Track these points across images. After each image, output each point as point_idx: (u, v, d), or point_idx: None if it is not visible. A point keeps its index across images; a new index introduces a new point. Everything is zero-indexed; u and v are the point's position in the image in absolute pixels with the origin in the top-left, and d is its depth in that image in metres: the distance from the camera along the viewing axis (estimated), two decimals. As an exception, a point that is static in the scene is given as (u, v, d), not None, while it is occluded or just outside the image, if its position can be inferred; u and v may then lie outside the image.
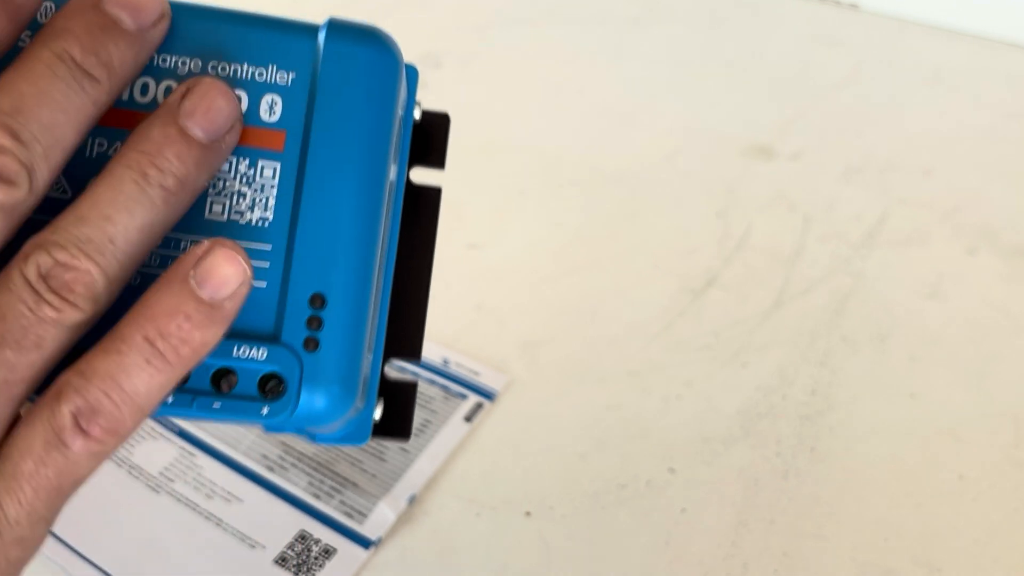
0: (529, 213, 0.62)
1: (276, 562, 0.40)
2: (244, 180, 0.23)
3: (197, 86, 0.22)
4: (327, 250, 0.23)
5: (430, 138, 0.27)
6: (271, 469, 0.44)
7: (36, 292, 0.20)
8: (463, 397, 0.48)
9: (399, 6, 0.84)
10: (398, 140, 0.25)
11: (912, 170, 0.68)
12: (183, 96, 0.22)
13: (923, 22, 0.87)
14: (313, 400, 0.23)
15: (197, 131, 0.22)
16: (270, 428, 0.23)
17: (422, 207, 0.27)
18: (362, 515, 0.42)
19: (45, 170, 0.21)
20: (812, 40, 0.84)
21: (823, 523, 0.43)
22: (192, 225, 0.23)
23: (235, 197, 0.23)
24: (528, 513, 0.43)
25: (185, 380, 0.22)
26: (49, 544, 0.40)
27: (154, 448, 0.44)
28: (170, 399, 0.22)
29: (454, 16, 0.84)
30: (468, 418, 0.47)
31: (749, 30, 0.86)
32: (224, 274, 0.21)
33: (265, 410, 0.22)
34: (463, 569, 0.41)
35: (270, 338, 0.23)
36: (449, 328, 0.52)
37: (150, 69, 0.23)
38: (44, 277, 0.20)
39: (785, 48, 0.83)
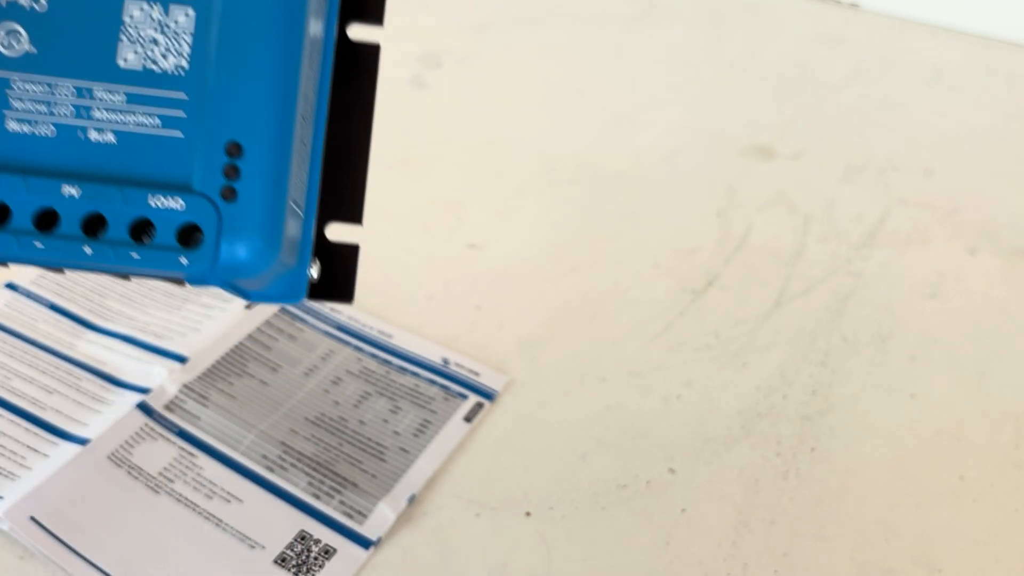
0: (529, 213, 0.62)
1: (276, 562, 0.40)
2: (158, 27, 0.23)
3: None
4: (243, 99, 0.23)
5: None
6: (271, 469, 0.44)
7: None
8: (463, 397, 0.48)
9: (399, 6, 0.84)
10: None
11: (913, 170, 0.68)
12: None
13: (924, 22, 0.87)
14: (234, 250, 0.22)
15: None
16: (194, 280, 0.23)
17: (359, 65, 0.26)
18: (362, 515, 0.42)
19: None
20: (812, 40, 0.84)
21: (823, 523, 0.43)
22: (106, 74, 0.23)
23: (148, 44, 0.23)
24: (528, 513, 0.43)
25: (104, 230, 0.22)
26: (48, 544, 0.40)
27: (154, 448, 0.44)
28: (89, 250, 0.22)
29: (454, 16, 0.84)
30: (468, 418, 0.47)
31: (749, 30, 0.85)
32: None
33: (184, 260, 0.22)
34: (463, 569, 0.41)
35: (187, 188, 0.22)
36: (449, 328, 0.52)
37: None
38: None
39: (785, 48, 0.83)
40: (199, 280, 0.23)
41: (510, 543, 0.42)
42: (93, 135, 0.23)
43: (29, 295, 0.53)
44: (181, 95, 0.23)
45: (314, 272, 0.25)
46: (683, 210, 0.63)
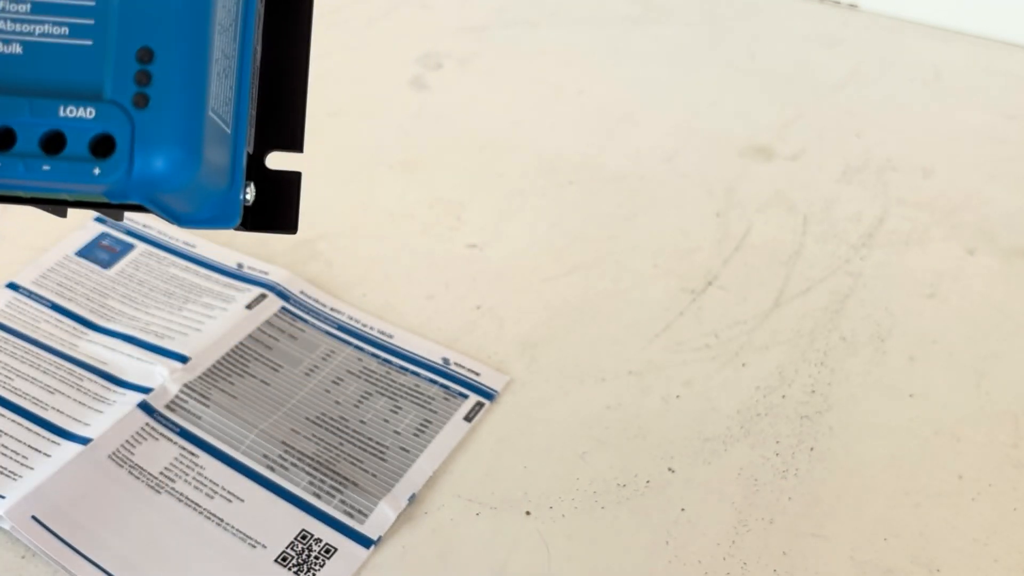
0: (529, 213, 0.62)
1: (277, 561, 0.41)
2: None
3: None
4: (152, 3, 0.22)
5: None
6: (272, 468, 0.44)
7: None
8: (463, 397, 0.48)
9: (399, 6, 0.84)
10: None
11: (911, 170, 0.68)
12: None
13: (922, 22, 0.87)
14: (150, 161, 0.22)
15: None
16: (113, 194, 0.22)
17: None
18: (363, 514, 0.42)
19: None
20: (811, 40, 0.84)
21: (822, 522, 0.43)
22: None
23: None
24: (528, 512, 0.43)
25: (14, 143, 0.21)
26: (50, 543, 0.40)
27: (155, 448, 0.44)
28: None
29: (454, 17, 0.84)
30: (468, 418, 0.47)
31: (748, 30, 0.86)
32: None
33: (96, 170, 0.21)
34: (463, 568, 0.41)
35: (96, 96, 0.22)
36: (449, 328, 0.52)
37: None
38: None
39: (784, 48, 0.83)
40: (118, 194, 0.22)
41: (510, 542, 0.42)
42: None
43: (31, 295, 0.53)
44: (89, 2, 0.22)
45: (248, 196, 0.25)
46: (682, 210, 0.63)
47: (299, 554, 0.41)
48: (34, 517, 0.41)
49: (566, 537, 0.43)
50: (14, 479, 0.42)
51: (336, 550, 0.41)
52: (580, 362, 0.51)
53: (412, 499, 0.43)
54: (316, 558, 0.41)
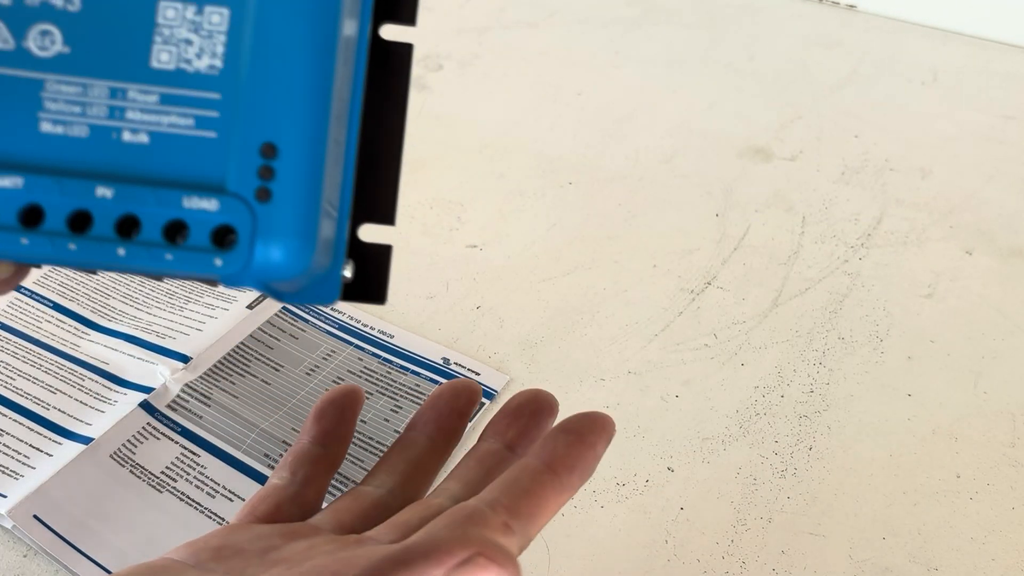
0: (529, 213, 0.62)
1: (278, 560, 0.41)
2: (191, 27, 0.23)
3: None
4: (277, 99, 0.23)
5: None
6: (273, 468, 0.44)
7: None
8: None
9: (399, 8, 0.84)
10: None
11: (909, 171, 0.68)
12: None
13: (921, 23, 0.87)
14: (269, 252, 0.22)
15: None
16: (228, 281, 0.23)
17: (392, 65, 0.26)
18: (363, 513, 0.43)
19: None
20: (810, 41, 0.85)
21: (821, 521, 0.44)
22: (140, 74, 0.22)
23: (182, 45, 0.23)
24: (528, 511, 0.44)
25: (138, 232, 0.22)
26: (52, 542, 0.40)
27: (157, 447, 0.45)
28: (122, 251, 0.22)
29: (455, 18, 0.84)
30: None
31: (747, 31, 0.86)
32: None
33: (218, 261, 0.22)
34: (463, 567, 0.41)
35: (220, 189, 0.22)
36: (449, 328, 0.53)
37: None
38: None
39: (783, 49, 0.83)
40: (233, 281, 0.23)
41: (510, 541, 0.42)
42: (127, 136, 0.22)
43: (33, 295, 0.53)
44: (215, 95, 0.23)
45: (348, 272, 0.25)
46: (681, 211, 0.63)
47: (300, 553, 0.41)
48: (36, 516, 0.41)
49: (566, 536, 0.43)
50: (16, 478, 0.42)
51: (337, 549, 0.41)
52: (579, 362, 0.51)
53: (412, 498, 0.44)
54: (317, 557, 0.41)
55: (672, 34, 0.85)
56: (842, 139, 0.71)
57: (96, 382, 0.48)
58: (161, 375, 0.48)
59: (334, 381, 0.49)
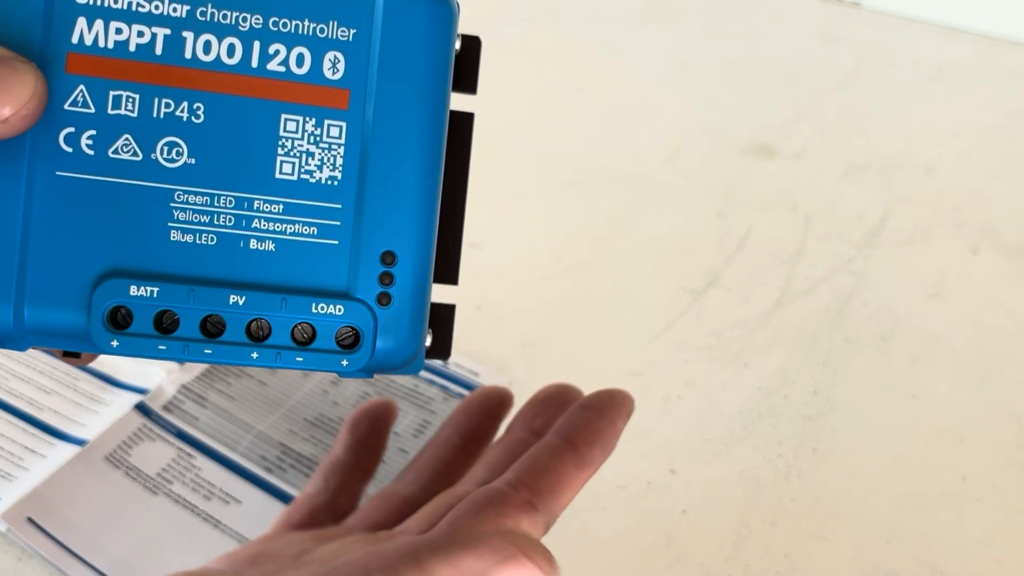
0: (529, 213, 0.62)
1: (274, 564, 0.40)
2: (312, 139, 0.24)
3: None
4: (396, 207, 0.24)
5: (462, 64, 0.27)
6: (269, 470, 0.44)
7: None
8: (462, 397, 0.48)
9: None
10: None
11: (914, 169, 0.67)
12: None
13: (925, 20, 0.87)
14: (386, 347, 0.24)
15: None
16: (346, 375, 0.25)
17: (458, 133, 0.27)
18: (361, 516, 0.42)
19: None
20: (814, 38, 0.84)
21: (825, 524, 0.43)
22: (263, 185, 0.24)
23: (304, 156, 0.24)
24: (528, 514, 0.43)
25: (268, 335, 0.23)
26: (46, 545, 0.40)
27: (152, 449, 0.44)
28: (255, 355, 0.23)
29: (454, 14, 0.84)
30: (468, 419, 0.47)
31: (750, 28, 0.85)
32: None
33: (344, 362, 0.24)
34: (463, 571, 0.41)
35: (344, 295, 0.24)
36: (449, 328, 0.52)
37: (215, 27, 0.23)
38: None
39: (787, 46, 0.83)
40: (350, 375, 0.25)
41: (510, 544, 0.42)
42: (253, 244, 0.24)
43: (27, 295, 0.52)
44: (336, 205, 0.24)
45: (428, 340, 0.26)
46: (684, 209, 0.63)
47: (297, 556, 0.41)
48: (30, 519, 0.40)
49: (566, 539, 0.42)
50: (9, 480, 0.42)
51: (334, 552, 0.41)
52: (580, 362, 0.51)
53: (411, 501, 0.43)
54: (314, 560, 0.40)
55: (674, 31, 0.85)
56: (846, 136, 0.71)
57: (90, 383, 0.47)
58: (156, 376, 0.47)
59: (331, 382, 0.49)
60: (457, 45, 0.26)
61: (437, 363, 0.50)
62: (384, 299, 0.24)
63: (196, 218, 0.23)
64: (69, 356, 0.25)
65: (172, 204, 0.23)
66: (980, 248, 0.60)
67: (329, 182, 0.24)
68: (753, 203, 0.63)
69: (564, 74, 0.77)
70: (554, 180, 0.65)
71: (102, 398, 0.46)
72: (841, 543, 0.42)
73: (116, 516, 0.41)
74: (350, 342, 0.24)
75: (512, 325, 0.53)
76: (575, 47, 0.82)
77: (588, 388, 0.50)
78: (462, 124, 0.27)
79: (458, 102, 0.27)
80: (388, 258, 0.24)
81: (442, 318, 0.27)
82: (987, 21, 0.85)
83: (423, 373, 0.49)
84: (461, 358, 0.50)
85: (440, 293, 0.27)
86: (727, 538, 0.42)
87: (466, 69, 0.27)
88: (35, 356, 0.49)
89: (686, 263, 0.58)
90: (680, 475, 0.45)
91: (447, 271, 0.27)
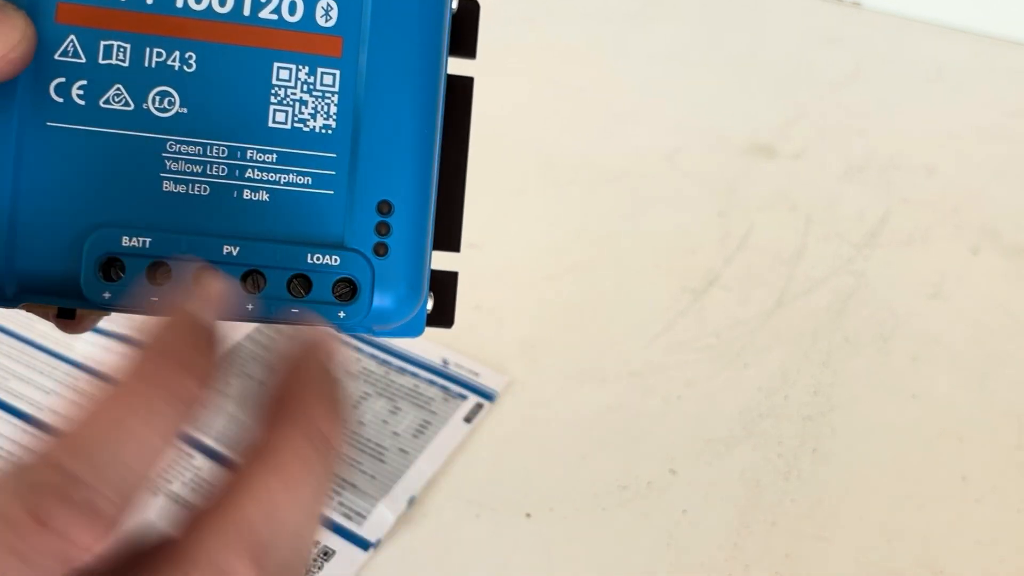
0: (529, 213, 0.62)
1: (274, 564, 0.40)
2: (305, 88, 0.23)
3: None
4: (391, 156, 0.24)
5: (461, 26, 0.27)
6: (269, 470, 0.44)
7: None
8: (463, 398, 0.48)
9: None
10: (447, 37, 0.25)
11: (914, 169, 0.67)
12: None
13: (925, 20, 0.87)
14: (384, 302, 0.23)
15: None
16: (344, 329, 0.24)
17: (457, 98, 0.27)
18: (361, 516, 0.42)
19: None
20: (814, 38, 0.84)
21: (825, 524, 0.43)
22: (256, 134, 0.23)
23: (297, 105, 0.23)
24: (528, 514, 0.43)
25: (263, 286, 0.23)
26: (46, 546, 0.40)
27: (152, 449, 0.44)
28: (251, 306, 0.23)
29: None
30: (468, 419, 0.47)
31: (751, 28, 0.85)
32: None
33: (342, 313, 0.23)
34: (463, 571, 0.41)
35: (340, 245, 0.23)
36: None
37: None
38: None
39: (787, 46, 0.83)
40: (348, 329, 0.24)
41: (510, 544, 0.42)
42: (247, 194, 0.23)
43: (27, 295, 0.52)
44: (331, 154, 0.24)
45: (430, 305, 0.26)
46: (684, 210, 0.63)
47: (297, 557, 0.40)
48: (29, 519, 0.40)
49: (567, 539, 0.42)
50: (9, 481, 0.42)
51: (334, 553, 0.41)
52: (581, 362, 0.51)
53: (411, 501, 0.43)
54: (314, 560, 0.40)
55: (674, 30, 0.84)
56: (846, 137, 0.71)
57: (90, 383, 0.47)
58: (157, 376, 0.47)
59: (332, 382, 0.49)
60: (455, 4, 0.26)
61: (437, 363, 0.50)
62: (381, 249, 0.23)
63: (189, 168, 0.23)
64: (64, 319, 0.24)
65: (164, 154, 0.23)
66: (980, 248, 0.60)
67: (323, 131, 0.23)
68: (753, 203, 0.63)
69: (564, 72, 0.77)
70: (554, 180, 0.65)
71: (102, 398, 0.46)
72: (841, 543, 0.42)
73: (116, 516, 0.41)
74: (347, 294, 0.23)
75: (512, 325, 0.53)
76: (575, 47, 0.82)
77: (589, 389, 0.50)
78: (462, 88, 0.27)
79: (458, 67, 0.27)
80: (384, 207, 0.24)
81: (444, 284, 0.27)
82: (987, 21, 0.85)
83: (423, 373, 0.49)
84: (461, 358, 0.50)
85: (443, 261, 0.27)
86: (727, 538, 0.42)
87: (465, 32, 0.27)
88: (35, 356, 0.49)
89: (686, 263, 0.58)
90: (680, 475, 0.45)
91: (448, 238, 0.27)
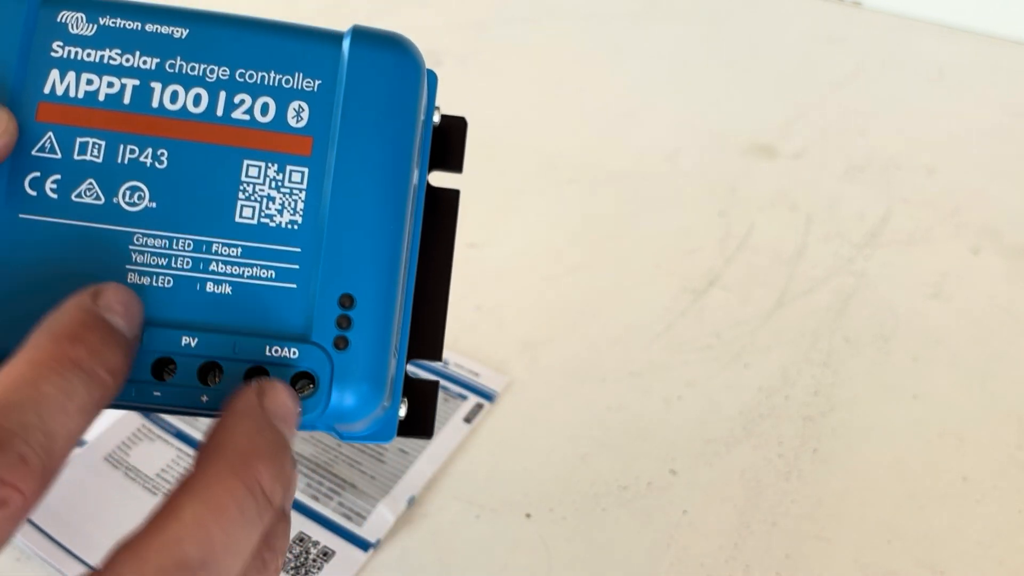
0: (529, 212, 0.62)
1: (274, 564, 0.40)
2: (273, 184, 0.24)
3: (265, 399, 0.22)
4: (355, 252, 0.24)
5: (448, 141, 0.27)
6: (269, 470, 0.44)
7: None
8: (463, 398, 0.48)
9: (400, 4, 0.83)
10: (420, 144, 0.26)
11: (915, 169, 0.67)
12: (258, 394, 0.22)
13: (926, 19, 0.87)
14: (343, 398, 0.23)
15: (285, 429, 0.22)
16: (301, 426, 0.24)
17: (441, 209, 0.27)
18: (361, 517, 0.42)
19: None
20: (815, 38, 0.84)
21: (826, 525, 0.43)
22: (224, 229, 0.24)
23: (265, 201, 0.24)
24: (528, 515, 0.43)
25: (220, 379, 0.23)
26: (45, 546, 0.40)
27: (151, 449, 0.44)
28: (205, 398, 0.23)
29: (454, 14, 0.84)
30: (468, 419, 0.47)
31: (751, 28, 0.85)
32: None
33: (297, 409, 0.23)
34: (463, 571, 0.41)
35: (301, 338, 0.23)
36: (449, 328, 0.52)
37: (183, 78, 0.24)
38: None
39: (787, 46, 0.83)
40: (307, 426, 0.24)
41: (510, 545, 0.42)
42: (210, 286, 0.24)
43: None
44: (295, 249, 0.24)
45: (403, 411, 0.26)
46: (684, 209, 0.63)
47: (296, 557, 0.40)
48: (29, 519, 0.40)
49: (567, 539, 0.42)
50: (9, 481, 0.42)
51: (334, 553, 0.41)
52: (581, 363, 0.51)
53: (411, 501, 0.43)
54: (314, 561, 0.40)
55: (674, 30, 0.84)
56: (847, 137, 0.71)
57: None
58: (156, 376, 0.47)
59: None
60: (436, 118, 0.27)
61: (437, 363, 0.50)
62: (341, 343, 0.23)
63: (154, 260, 0.23)
64: None
65: (131, 247, 0.23)
66: (981, 248, 0.60)
67: (289, 226, 0.24)
68: (754, 203, 0.63)
69: (564, 73, 0.77)
70: (554, 180, 0.65)
71: (102, 398, 0.46)
72: (842, 544, 0.42)
73: (115, 516, 0.41)
74: (304, 387, 0.23)
75: (512, 325, 0.53)
76: (575, 46, 0.81)
77: (589, 389, 0.50)
78: (446, 200, 0.27)
79: (444, 180, 0.27)
80: (346, 301, 0.24)
81: (423, 393, 0.27)
82: (988, 21, 0.85)
83: (423, 374, 0.49)
84: (461, 358, 0.50)
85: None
86: (727, 538, 0.42)
87: (451, 146, 0.27)
88: (35, 356, 0.49)
89: (687, 263, 0.58)
90: (681, 475, 0.45)
91: (430, 347, 0.27)
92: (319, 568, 0.40)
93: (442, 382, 0.49)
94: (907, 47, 0.83)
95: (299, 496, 0.43)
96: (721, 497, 0.44)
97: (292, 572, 0.40)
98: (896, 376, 0.51)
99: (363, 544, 0.41)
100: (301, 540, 0.41)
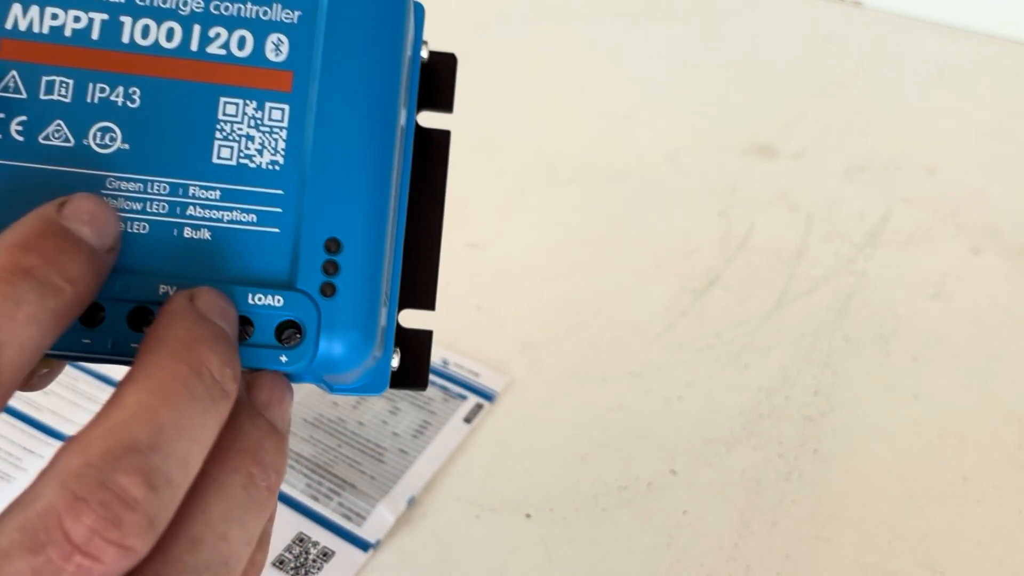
0: (529, 212, 0.62)
1: (274, 564, 0.40)
2: (252, 123, 0.23)
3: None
4: (340, 194, 0.23)
5: (437, 80, 0.26)
6: (269, 471, 0.44)
7: None
8: (463, 398, 0.48)
9: (399, 4, 0.83)
10: (407, 81, 0.25)
11: (915, 169, 0.67)
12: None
13: (927, 19, 0.86)
14: (332, 347, 0.22)
15: (224, 324, 0.21)
16: (293, 377, 0.23)
17: (431, 151, 0.26)
18: (361, 517, 0.42)
19: (167, 517, 0.18)
20: (815, 38, 0.84)
21: (826, 525, 0.43)
22: (201, 171, 0.22)
23: (243, 141, 0.23)
24: (528, 515, 0.43)
25: None
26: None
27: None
28: None
29: (453, 13, 0.84)
30: (468, 419, 0.47)
31: (751, 28, 0.85)
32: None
33: (284, 358, 0.22)
34: (463, 572, 0.41)
35: (286, 285, 0.22)
36: (449, 328, 0.52)
37: (154, 11, 0.23)
38: None
39: (788, 46, 0.83)
40: (294, 378, 0.23)
41: (510, 545, 0.42)
42: (188, 232, 0.22)
43: (26, 295, 0.52)
44: (277, 191, 0.23)
45: (395, 362, 0.25)
46: (685, 209, 0.63)
47: (296, 557, 0.40)
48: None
49: (567, 540, 0.42)
50: (8, 481, 0.42)
51: (334, 553, 0.41)
52: (581, 363, 0.51)
53: (411, 501, 0.43)
54: (314, 561, 0.40)
55: (674, 30, 0.84)
56: (847, 137, 0.70)
57: (89, 383, 0.47)
58: (156, 376, 0.47)
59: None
60: (424, 54, 0.26)
61: (437, 363, 0.50)
62: (328, 289, 0.22)
63: (128, 205, 0.22)
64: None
65: (104, 191, 0.22)
66: (981, 248, 0.60)
67: (270, 167, 0.23)
68: (754, 203, 0.63)
69: (564, 73, 0.77)
70: (555, 179, 0.65)
71: (100, 398, 0.46)
72: (842, 544, 0.42)
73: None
74: (291, 337, 0.22)
75: (512, 325, 0.53)
76: (575, 46, 0.81)
77: (589, 389, 0.50)
78: (437, 141, 0.26)
79: (435, 120, 0.26)
80: (333, 246, 0.22)
81: (417, 343, 0.26)
82: (989, 21, 0.85)
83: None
84: (461, 358, 0.50)
85: (417, 320, 0.26)
86: (728, 539, 0.42)
87: (440, 85, 0.26)
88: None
89: (687, 263, 0.58)
90: (681, 475, 0.45)
91: (423, 296, 0.26)
92: (319, 568, 0.40)
93: (442, 382, 0.49)
94: (907, 47, 0.83)
95: (299, 496, 0.43)
96: (721, 497, 0.44)
97: (292, 572, 0.40)
98: (896, 376, 0.51)
99: (363, 544, 0.41)
100: (301, 540, 0.41)
